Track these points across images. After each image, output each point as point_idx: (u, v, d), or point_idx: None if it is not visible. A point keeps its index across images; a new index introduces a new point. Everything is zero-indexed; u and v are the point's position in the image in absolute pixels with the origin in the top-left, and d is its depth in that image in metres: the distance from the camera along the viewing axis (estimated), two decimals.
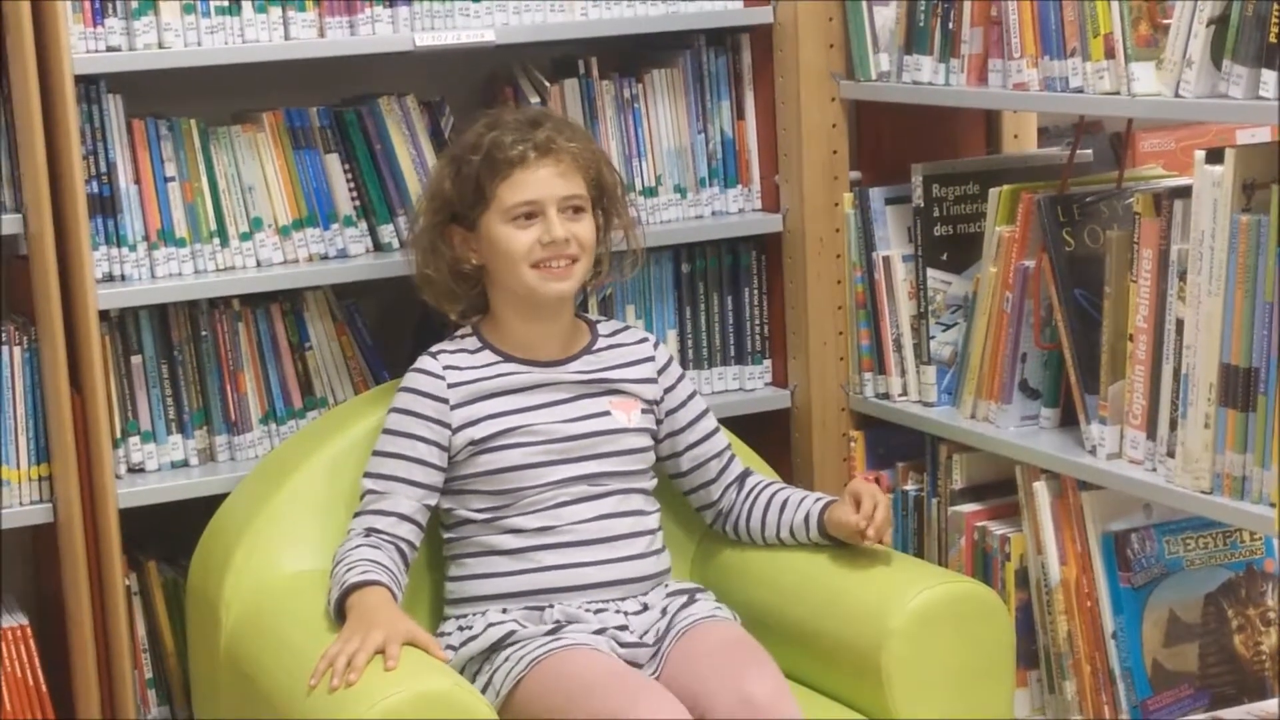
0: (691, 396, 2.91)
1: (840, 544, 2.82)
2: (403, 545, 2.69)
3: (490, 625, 2.68)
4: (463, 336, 2.84)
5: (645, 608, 2.74)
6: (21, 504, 2.87)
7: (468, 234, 2.79)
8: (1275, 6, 2.33)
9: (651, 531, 2.81)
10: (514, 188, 2.73)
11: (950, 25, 2.98)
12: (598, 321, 2.92)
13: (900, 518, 3.19)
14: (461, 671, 2.65)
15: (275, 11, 2.96)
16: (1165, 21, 2.55)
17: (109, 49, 2.87)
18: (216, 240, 2.99)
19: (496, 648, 2.65)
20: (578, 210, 2.77)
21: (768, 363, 3.35)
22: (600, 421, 2.79)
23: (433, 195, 2.83)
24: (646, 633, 2.71)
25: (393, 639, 2.45)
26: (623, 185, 2.91)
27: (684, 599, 2.77)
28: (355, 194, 3.08)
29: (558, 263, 2.74)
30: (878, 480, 3.18)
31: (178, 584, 3.04)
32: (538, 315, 2.80)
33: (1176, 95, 2.49)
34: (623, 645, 2.67)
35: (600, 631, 2.66)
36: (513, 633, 2.65)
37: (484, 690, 2.62)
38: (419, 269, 2.84)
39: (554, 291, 2.76)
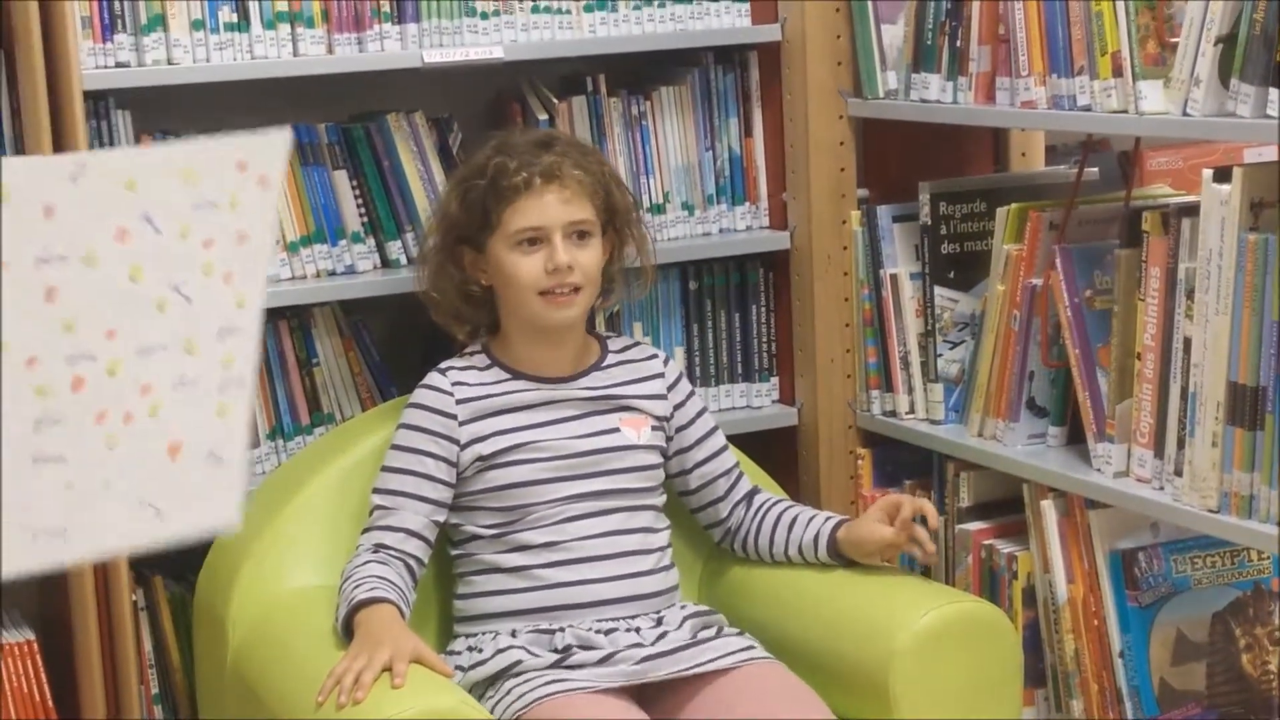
0: (700, 413, 2.91)
1: (848, 563, 2.82)
2: (411, 561, 2.69)
3: (499, 651, 2.67)
4: (472, 353, 2.84)
5: (660, 623, 2.74)
6: None
7: (477, 255, 2.79)
8: None
9: (660, 549, 2.81)
10: (518, 214, 2.73)
11: (958, 43, 2.99)
12: (608, 337, 2.92)
13: None
14: (470, 694, 2.64)
15: (284, 28, 2.97)
16: (1173, 40, 2.55)
17: (118, 65, 2.88)
18: None
19: (502, 675, 2.65)
20: (584, 235, 2.77)
21: (775, 380, 3.35)
22: (609, 438, 2.79)
23: (441, 217, 2.84)
24: (662, 639, 2.70)
25: (400, 657, 2.45)
26: (636, 205, 2.92)
27: (712, 630, 2.75)
28: (363, 210, 3.09)
29: (561, 289, 2.74)
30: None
31: (184, 599, 3.04)
32: (545, 338, 2.80)
33: (1184, 114, 2.50)
34: (635, 662, 2.66)
35: (610, 656, 2.65)
36: (519, 662, 2.64)
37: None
38: (426, 290, 2.85)
39: (558, 320, 2.76)
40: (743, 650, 2.71)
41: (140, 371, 1.73)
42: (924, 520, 2.77)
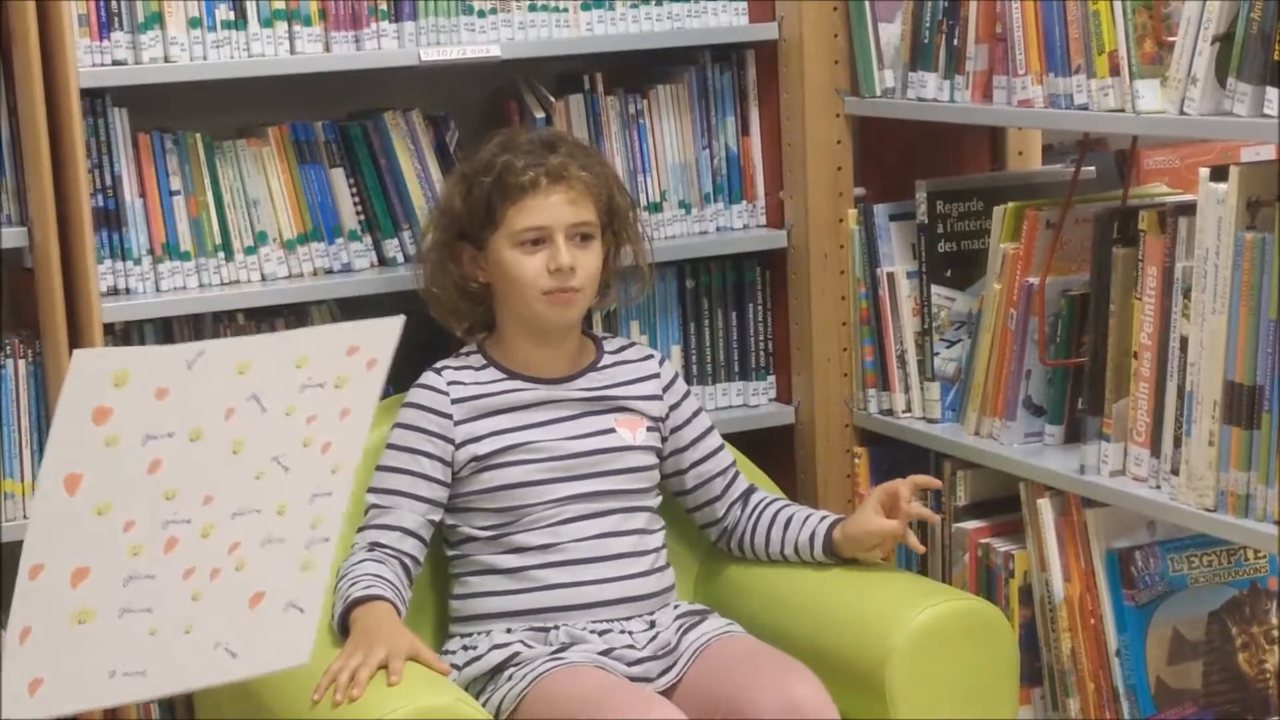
0: (696, 413, 2.91)
1: (845, 562, 2.83)
2: (407, 560, 2.69)
3: (494, 647, 2.68)
4: (468, 353, 2.84)
5: (653, 625, 2.74)
6: (25, 517, 2.87)
7: (476, 253, 2.79)
8: None
9: (655, 550, 2.81)
10: (524, 213, 2.73)
11: (955, 42, 2.99)
12: (603, 338, 2.92)
13: None
14: (466, 691, 2.64)
15: (281, 26, 2.97)
16: (1170, 39, 2.55)
17: (115, 63, 2.88)
18: (221, 254, 3.00)
19: (500, 669, 2.65)
20: (586, 238, 2.77)
21: (772, 379, 3.35)
22: (604, 439, 2.79)
23: (443, 212, 2.84)
24: (657, 650, 2.70)
25: (396, 654, 2.45)
26: (634, 208, 2.92)
27: (696, 619, 2.77)
28: (360, 208, 3.09)
29: (563, 290, 2.73)
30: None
31: None
32: (544, 338, 2.80)
33: (1181, 113, 2.50)
34: (630, 663, 2.66)
35: (606, 653, 2.66)
36: (516, 654, 2.65)
37: (486, 710, 2.62)
38: (426, 285, 2.85)
39: (558, 319, 2.76)
40: (716, 630, 2.74)
41: (231, 532, 1.79)
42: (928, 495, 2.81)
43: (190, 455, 1.73)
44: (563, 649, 2.66)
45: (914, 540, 2.80)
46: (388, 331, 1.83)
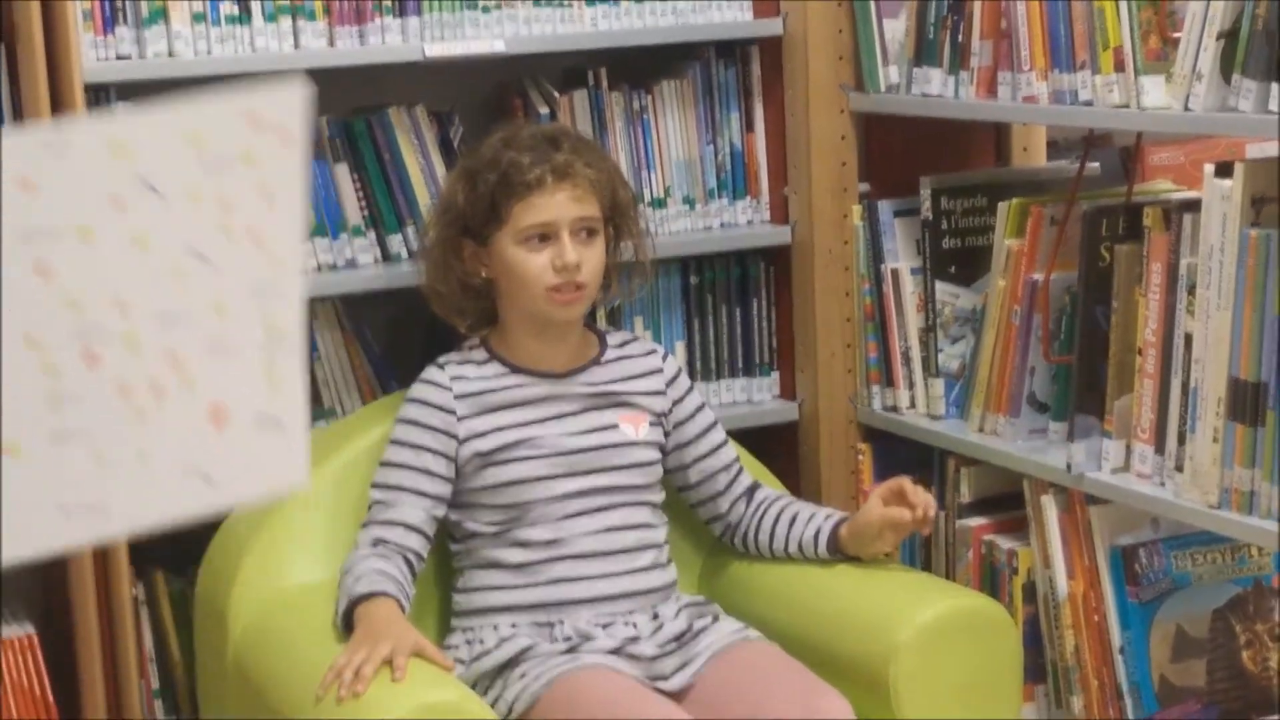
0: (700, 409, 2.91)
1: (849, 559, 2.82)
2: (410, 555, 2.69)
3: (504, 640, 2.67)
4: (470, 348, 2.83)
5: (657, 617, 2.74)
6: None
7: (479, 249, 2.79)
8: None
9: (658, 545, 2.81)
10: (529, 210, 2.73)
11: (960, 38, 2.98)
12: (607, 333, 2.92)
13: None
14: (473, 687, 2.64)
15: (285, 21, 2.96)
16: (1175, 35, 2.55)
17: (119, 57, 2.88)
18: None
19: (511, 664, 2.65)
20: (590, 234, 2.77)
21: (776, 375, 3.35)
22: (607, 435, 2.79)
23: (445, 208, 2.83)
24: (667, 643, 2.70)
25: (400, 650, 2.45)
26: (635, 202, 2.92)
27: (709, 617, 2.77)
28: (364, 204, 3.08)
29: (568, 287, 2.73)
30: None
31: (185, 594, 3.03)
32: (546, 333, 2.80)
33: (1186, 109, 2.50)
34: (641, 660, 2.66)
35: (616, 651, 2.66)
36: (529, 648, 2.65)
37: (494, 705, 2.62)
38: (428, 282, 2.85)
39: (562, 316, 2.76)
40: (735, 632, 2.73)
41: (165, 342, 1.65)
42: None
43: (86, 258, 1.60)
44: (573, 648, 2.65)
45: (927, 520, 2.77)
46: (292, 98, 1.69)
